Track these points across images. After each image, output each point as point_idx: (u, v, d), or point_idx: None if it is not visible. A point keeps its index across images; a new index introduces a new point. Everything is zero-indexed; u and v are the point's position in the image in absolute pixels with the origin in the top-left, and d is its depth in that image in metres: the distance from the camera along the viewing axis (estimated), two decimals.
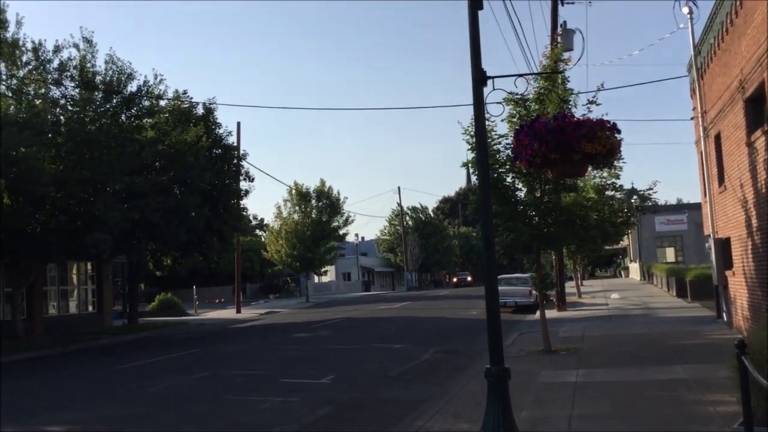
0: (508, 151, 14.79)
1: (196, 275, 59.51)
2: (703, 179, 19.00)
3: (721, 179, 16.86)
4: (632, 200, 16.24)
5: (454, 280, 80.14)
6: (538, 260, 15.31)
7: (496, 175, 14.71)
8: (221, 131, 31.73)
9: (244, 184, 33.52)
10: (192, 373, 15.19)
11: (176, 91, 30.02)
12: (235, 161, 32.68)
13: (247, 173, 33.26)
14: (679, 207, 69.05)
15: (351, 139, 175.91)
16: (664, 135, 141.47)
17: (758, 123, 12.93)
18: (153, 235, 26.25)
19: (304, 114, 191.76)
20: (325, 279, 78.62)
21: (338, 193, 50.99)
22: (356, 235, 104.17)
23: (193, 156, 26.61)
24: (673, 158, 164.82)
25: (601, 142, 6.60)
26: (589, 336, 17.46)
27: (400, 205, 78.27)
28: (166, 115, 29.36)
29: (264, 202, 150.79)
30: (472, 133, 14.54)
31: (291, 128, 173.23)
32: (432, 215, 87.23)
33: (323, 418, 9.77)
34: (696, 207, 61.92)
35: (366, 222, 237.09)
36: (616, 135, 6.87)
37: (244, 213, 35.75)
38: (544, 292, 15.27)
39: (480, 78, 6.82)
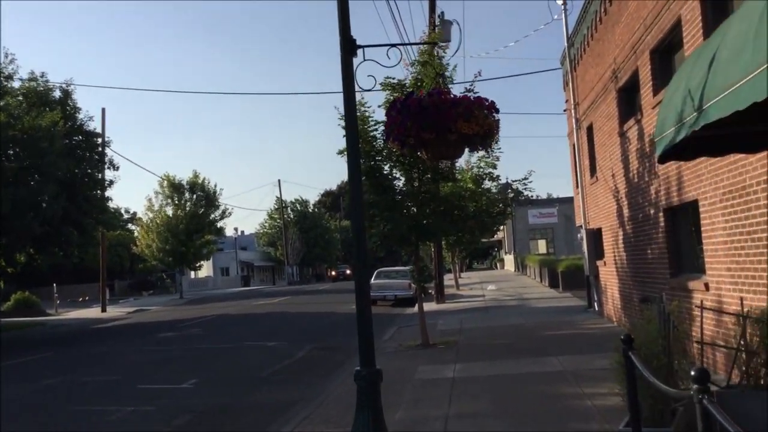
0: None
1: (59, 272, 55.60)
2: (575, 171, 19.29)
3: (593, 170, 17.09)
4: (508, 192, 16.04)
5: (332, 273, 76.91)
6: (417, 252, 14.87)
7: (372, 164, 14.11)
8: (82, 116, 29.39)
9: (109, 174, 31.42)
10: (40, 379, 13.66)
11: (31, 72, 27.54)
12: (99, 149, 30.43)
13: (111, 162, 31.08)
14: (551, 201, 72.00)
15: (230, 131, 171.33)
16: (538, 131, 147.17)
17: (631, 113, 13.02)
18: (1, 228, 23.82)
19: (179, 105, 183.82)
20: (202, 274, 76.01)
21: (215, 186, 49.12)
22: (236, 228, 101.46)
23: (48, 142, 24.34)
24: (545, 154, 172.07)
25: (478, 122, 6.05)
26: (467, 328, 17.28)
27: (280, 198, 76.78)
28: (19, 98, 26.81)
29: (137, 194, 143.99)
30: None
31: (165, 119, 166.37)
32: (313, 209, 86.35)
33: (178, 430, 8.77)
34: (566, 201, 64.65)
35: (246, 215, 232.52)
36: (494, 115, 6.35)
37: (109, 204, 33.38)
38: (422, 285, 14.84)
39: (349, 46, 6.10)
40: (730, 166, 8.03)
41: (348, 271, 72.59)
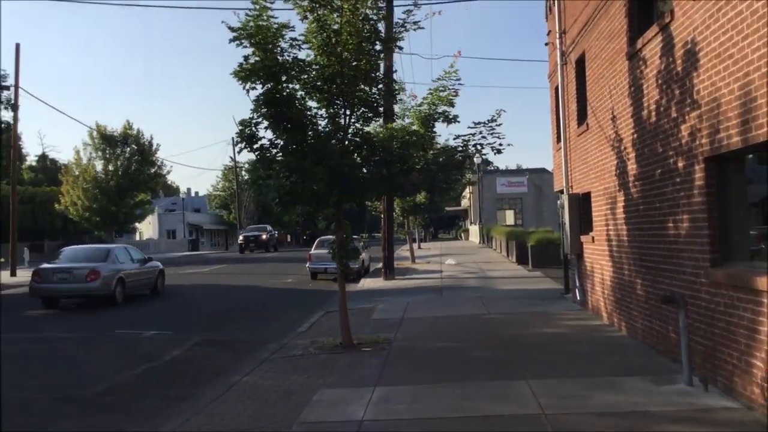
0: (296, 52, 9.96)
1: None
2: (557, 121, 15.23)
3: (582, 116, 13.02)
4: (470, 148, 11.83)
5: (240, 239, 53.45)
6: (339, 217, 10.66)
7: (277, 86, 9.85)
8: None
9: (6, 116, 26.62)
10: None
11: None
12: None
13: (9, 102, 26.22)
14: (521, 171, 68.36)
15: (185, 86, 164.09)
16: (512, 97, 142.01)
17: (648, 22, 8.93)
18: None
19: (129, 56, 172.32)
20: (148, 236, 71.31)
21: (150, 138, 44.11)
22: (188, 189, 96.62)
23: None
24: (515, 123, 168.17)
25: None
26: (410, 318, 13.19)
27: (233, 157, 71.63)
28: None
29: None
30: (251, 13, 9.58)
31: (115, 71, 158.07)
32: None
33: None
34: (537, 171, 61.07)
35: (197, 174, 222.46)
36: None
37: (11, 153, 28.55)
38: (345, 261, 10.67)
39: None
40: None
41: (264, 236, 52.74)
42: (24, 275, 32.90)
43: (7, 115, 27.41)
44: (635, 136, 9.36)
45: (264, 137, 10.12)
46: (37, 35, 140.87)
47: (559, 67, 14.36)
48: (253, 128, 9.99)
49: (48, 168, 75.22)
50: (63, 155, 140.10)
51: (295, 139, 9.91)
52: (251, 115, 9.96)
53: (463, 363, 8.84)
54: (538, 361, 8.66)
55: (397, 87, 11.65)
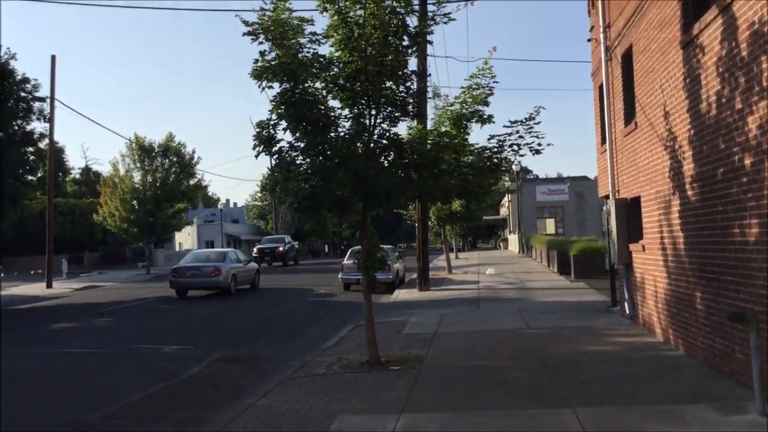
0: (317, 48, 9.26)
1: (25, 240, 51.21)
2: (602, 122, 14.28)
3: (629, 115, 12.04)
4: (506, 149, 10.89)
5: (254, 252, 45.91)
6: (365, 224, 9.88)
7: (298, 86, 9.14)
8: None
9: (40, 127, 26.56)
10: None
11: None
12: (24, 95, 25.36)
13: (41, 112, 26.11)
14: (561, 178, 66.83)
15: (225, 95, 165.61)
16: (553, 101, 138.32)
17: (703, 5, 7.99)
18: None
19: (168, 74, 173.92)
20: (187, 247, 71.49)
21: (192, 152, 44.02)
22: (226, 200, 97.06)
23: None
24: (556, 129, 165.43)
25: None
26: (443, 333, 12.34)
27: (270, 168, 71.39)
28: None
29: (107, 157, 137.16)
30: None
31: (153, 89, 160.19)
32: None
33: None
34: (578, 179, 59.55)
35: (234, 185, 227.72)
36: None
37: (35, 164, 28.50)
38: (371, 273, 9.86)
39: None
40: None
41: (281, 248, 45.70)
42: (60, 287, 32.93)
43: (41, 127, 27.06)
44: (692, 132, 8.41)
45: (283, 139, 9.44)
46: (80, 47, 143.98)
47: (603, 63, 13.39)
48: (271, 130, 9.31)
49: (91, 180, 76.25)
50: (105, 167, 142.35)
51: (317, 140, 9.18)
52: (269, 116, 9.28)
53: (500, 386, 7.96)
54: (586, 384, 7.74)
55: (431, 91, 10.90)
